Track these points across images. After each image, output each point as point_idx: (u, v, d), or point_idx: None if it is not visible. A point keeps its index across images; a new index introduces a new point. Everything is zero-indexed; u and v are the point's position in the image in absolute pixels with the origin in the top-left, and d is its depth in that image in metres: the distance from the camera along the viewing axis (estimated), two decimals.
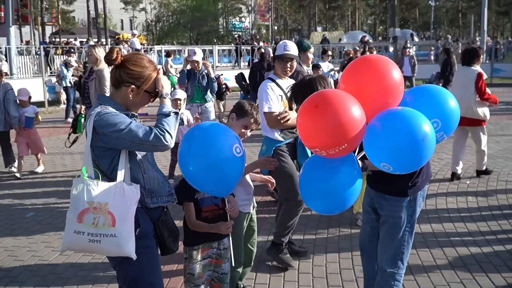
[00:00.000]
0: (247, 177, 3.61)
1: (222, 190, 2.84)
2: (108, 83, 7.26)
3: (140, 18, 54.42)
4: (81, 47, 20.99)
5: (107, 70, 7.27)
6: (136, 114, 2.69)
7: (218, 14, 48.58)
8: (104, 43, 29.42)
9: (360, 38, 35.55)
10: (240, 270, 3.66)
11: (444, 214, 5.78)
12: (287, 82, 4.40)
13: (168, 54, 17.97)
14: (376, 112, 2.64)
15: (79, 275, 4.34)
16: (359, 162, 2.91)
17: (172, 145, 2.48)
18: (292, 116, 4.15)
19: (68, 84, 13.94)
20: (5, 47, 17.31)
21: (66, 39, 33.98)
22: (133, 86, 2.58)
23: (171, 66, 17.23)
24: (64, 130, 12.43)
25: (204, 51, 20.59)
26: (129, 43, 21.49)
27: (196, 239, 3.10)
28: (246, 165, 3.39)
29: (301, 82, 3.76)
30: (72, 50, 17.21)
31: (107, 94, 6.97)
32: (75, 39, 30.00)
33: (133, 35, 23.01)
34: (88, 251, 2.62)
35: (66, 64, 14.32)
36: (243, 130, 3.44)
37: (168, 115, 2.52)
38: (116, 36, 34.73)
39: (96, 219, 2.40)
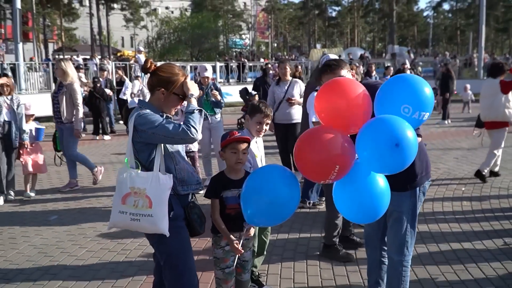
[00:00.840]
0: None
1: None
2: (79, 96, 7.60)
3: (141, 36, 55.26)
4: (85, 64, 21.61)
5: (77, 84, 7.68)
6: (170, 116, 3.19)
7: (219, 32, 49.42)
8: (107, 59, 30.00)
9: (360, 54, 36.34)
10: (254, 258, 4.08)
11: (440, 216, 6.24)
12: None
13: None
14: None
15: (107, 267, 4.80)
16: None
17: (198, 137, 2.94)
18: None
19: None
20: (15, 63, 17.82)
21: (69, 56, 34.63)
22: (163, 89, 3.09)
23: None
24: None
25: (227, 66, 21.24)
26: (135, 59, 22.06)
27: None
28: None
29: None
30: (81, 66, 17.77)
31: (80, 108, 7.60)
32: (78, 56, 30.59)
33: (139, 51, 23.62)
34: (130, 228, 3.08)
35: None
36: (258, 127, 3.98)
37: (192, 112, 3.00)
38: (119, 53, 35.39)
39: (136, 202, 2.93)
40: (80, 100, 7.65)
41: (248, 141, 3.51)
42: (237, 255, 3.48)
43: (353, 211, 3.08)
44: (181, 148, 3.21)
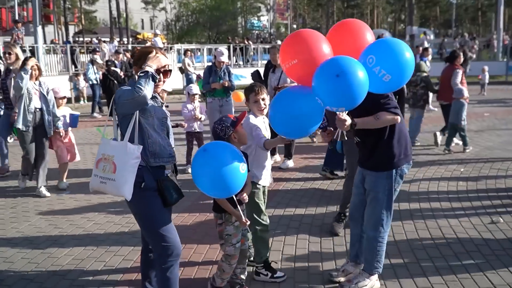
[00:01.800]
0: (268, 154, 4.28)
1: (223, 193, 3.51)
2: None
3: (160, 18, 55.55)
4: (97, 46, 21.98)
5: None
6: (158, 95, 3.47)
7: (237, 13, 49.39)
8: (126, 42, 30.40)
9: (378, 36, 36.13)
10: (269, 233, 4.28)
11: (434, 195, 6.45)
12: None
13: (185, 53, 18.82)
14: None
15: (111, 238, 5.15)
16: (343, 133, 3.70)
17: (143, 94, 3.12)
18: None
19: (94, 82, 14.86)
20: (34, 46, 18.27)
21: (89, 39, 35.13)
22: (136, 67, 3.40)
23: (188, 65, 18.06)
24: (91, 123, 13.43)
25: (235, 48, 21.43)
26: (151, 42, 22.37)
27: None
28: (271, 140, 4.11)
29: None
30: (97, 49, 18.16)
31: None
32: (97, 39, 31.03)
33: (156, 34, 23.94)
34: (100, 190, 3.38)
35: (92, 62, 15.26)
36: (256, 105, 4.19)
37: (138, 76, 3.20)
38: (137, 36, 35.77)
39: (105, 166, 3.27)
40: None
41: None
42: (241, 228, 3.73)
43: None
44: (158, 123, 3.43)
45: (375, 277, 4.03)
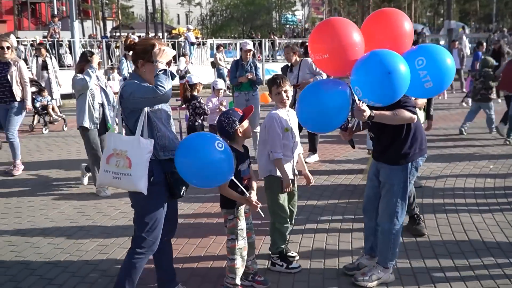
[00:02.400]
0: (292, 147, 4.28)
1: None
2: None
3: (196, 13, 55.96)
4: None
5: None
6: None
7: (271, 8, 49.33)
8: (160, 37, 30.80)
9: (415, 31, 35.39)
10: (287, 226, 4.34)
11: (459, 192, 6.36)
12: None
13: (218, 48, 18.98)
14: None
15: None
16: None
17: (166, 93, 3.17)
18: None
19: (127, 75, 15.18)
20: (70, 41, 18.74)
21: (126, 34, 35.71)
22: (141, 60, 3.39)
23: (220, 59, 18.20)
24: None
25: (260, 43, 21.50)
26: (184, 37, 22.63)
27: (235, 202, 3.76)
28: (281, 164, 4.14)
29: None
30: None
31: (27, 81, 7.31)
32: (133, 34, 31.54)
33: (188, 29, 24.14)
34: (113, 185, 3.44)
35: (126, 56, 15.56)
36: (279, 97, 4.21)
37: (157, 74, 3.21)
38: (172, 30, 36.17)
39: (118, 162, 3.29)
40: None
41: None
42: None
43: None
44: (165, 117, 3.48)
45: (390, 270, 4.04)
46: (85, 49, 19.50)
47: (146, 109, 3.32)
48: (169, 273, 3.79)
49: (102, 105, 6.49)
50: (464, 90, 16.24)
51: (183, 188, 3.52)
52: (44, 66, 12.53)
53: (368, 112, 3.53)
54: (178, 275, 3.92)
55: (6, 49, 7.21)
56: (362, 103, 3.50)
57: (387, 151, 3.87)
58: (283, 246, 4.34)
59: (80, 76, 6.24)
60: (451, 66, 3.38)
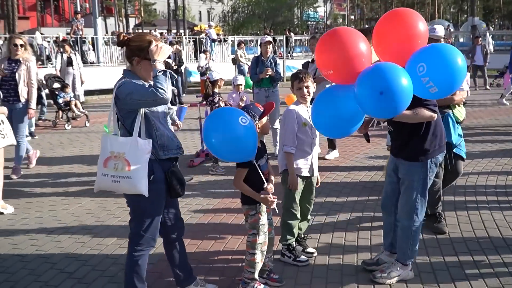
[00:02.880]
0: (310, 143, 4.31)
1: (242, 155, 3.45)
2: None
3: (217, 10, 56.12)
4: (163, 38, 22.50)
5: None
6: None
7: (293, 4, 49.18)
8: (182, 34, 30.95)
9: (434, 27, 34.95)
10: (295, 221, 4.36)
11: (481, 189, 6.28)
12: None
13: (239, 44, 19.01)
14: None
15: None
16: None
17: (167, 96, 3.08)
18: None
19: None
20: (93, 37, 18.96)
21: (148, 31, 35.99)
22: (136, 58, 3.27)
23: (241, 56, 18.22)
24: None
25: (275, 40, 21.48)
26: (206, 33, 22.72)
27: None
28: (292, 162, 4.16)
29: None
30: None
31: (34, 82, 7.02)
32: (155, 30, 31.79)
33: (210, 26, 24.25)
34: (112, 190, 3.39)
35: None
36: (300, 92, 4.23)
37: (157, 76, 3.11)
38: (194, 28, 36.34)
39: (116, 165, 3.20)
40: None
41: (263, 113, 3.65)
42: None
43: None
44: (162, 115, 3.42)
45: (409, 267, 4.00)
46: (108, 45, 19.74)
47: (143, 109, 3.25)
48: (185, 269, 3.80)
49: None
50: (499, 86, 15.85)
51: (183, 186, 3.48)
52: (69, 62, 12.71)
53: None
54: (196, 270, 3.95)
55: (19, 47, 7.04)
56: None
57: (406, 147, 3.83)
58: (292, 239, 4.37)
59: None
60: (456, 67, 3.16)
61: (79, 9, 22.57)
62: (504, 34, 29.74)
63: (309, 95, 4.26)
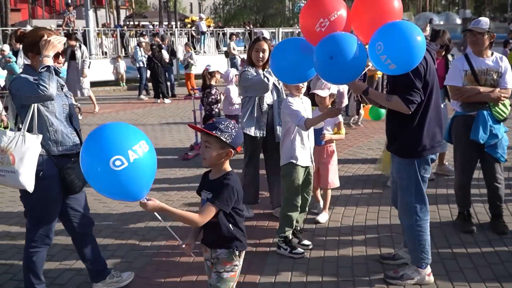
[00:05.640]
0: (310, 133, 4.37)
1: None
2: None
3: (208, 1, 55.80)
4: (153, 30, 22.43)
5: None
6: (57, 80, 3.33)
7: None
8: (174, 26, 30.82)
9: (429, 19, 35.06)
10: (295, 213, 4.40)
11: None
12: (484, 59, 4.62)
13: (230, 37, 18.96)
14: None
15: (150, 214, 5.36)
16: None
17: (49, 92, 3.07)
18: (473, 92, 4.57)
19: (141, 64, 15.21)
20: (85, 29, 18.82)
21: (138, 22, 35.84)
22: (30, 53, 3.33)
23: (233, 49, 18.18)
24: (138, 105, 13.80)
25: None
26: (196, 25, 22.60)
27: None
28: (311, 118, 4.20)
29: None
30: (144, 33, 18.56)
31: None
32: (150, 22, 31.64)
33: (200, 18, 24.08)
34: (1, 183, 3.32)
35: (139, 45, 15.63)
36: (295, 86, 4.26)
37: (40, 72, 3.11)
38: (186, 19, 36.26)
39: (2, 159, 3.20)
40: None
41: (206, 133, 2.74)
42: None
43: None
44: (59, 110, 3.38)
45: (425, 271, 3.79)
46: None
47: (36, 104, 3.24)
48: (98, 264, 3.82)
49: (271, 106, 5.11)
50: None
51: (79, 183, 3.46)
52: (72, 56, 12.34)
53: (362, 87, 3.63)
54: (194, 263, 3.98)
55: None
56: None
57: (395, 140, 3.68)
58: (290, 231, 4.42)
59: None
60: (413, 43, 3.18)
61: (70, 1, 22.24)
62: (499, 27, 29.79)
63: (303, 87, 4.32)
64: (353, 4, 3.50)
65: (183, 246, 2.77)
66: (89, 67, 12.20)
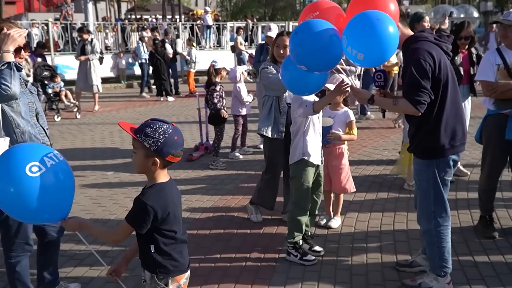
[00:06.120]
0: (319, 129, 4.36)
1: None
2: None
3: None
4: (156, 24, 22.48)
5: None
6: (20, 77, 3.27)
7: None
8: (178, 19, 30.89)
9: (447, 12, 34.89)
10: (304, 217, 4.38)
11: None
12: None
13: (237, 31, 18.91)
14: None
15: None
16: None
17: (12, 91, 3.00)
18: (507, 87, 4.47)
19: (143, 61, 15.22)
20: (84, 23, 18.91)
21: (140, 16, 35.94)
22: None
23: (241, 43, 18.11)
24: (139, 103, 13.83)
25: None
26: (201, 19, 22.64)
27: None
28: (319, 100, 4.19)
29: None
30: (146, 27, 18.60)
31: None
32: (153, 16, 31.72)
33: (206, 11, 24.11)
34: None
35: (142, 40, 15.67)
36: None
37: (1, 69, 3.02)
38: (191, 13, 36.29)
39: None
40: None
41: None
42: None
43: None
44: (25, 109, 3.32)
45: (445, 279, 3.72)
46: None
47: (0, 104, 3.16)
48: (52, 273, 3.80)
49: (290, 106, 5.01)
50: None
51: None
52: (83, 50, 12.39)
53: (366, 95, 3.65)
54: (198, 271, 3.98)
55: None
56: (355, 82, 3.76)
57: (414, 140, 3.67)
58: (300, 236, 4.40)
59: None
60: (374, 29, 3.23)
61: None
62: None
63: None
64: (348, 9, 3.60)
65: (108, 275, 2.71)
66: (101, 62, 12.24)
